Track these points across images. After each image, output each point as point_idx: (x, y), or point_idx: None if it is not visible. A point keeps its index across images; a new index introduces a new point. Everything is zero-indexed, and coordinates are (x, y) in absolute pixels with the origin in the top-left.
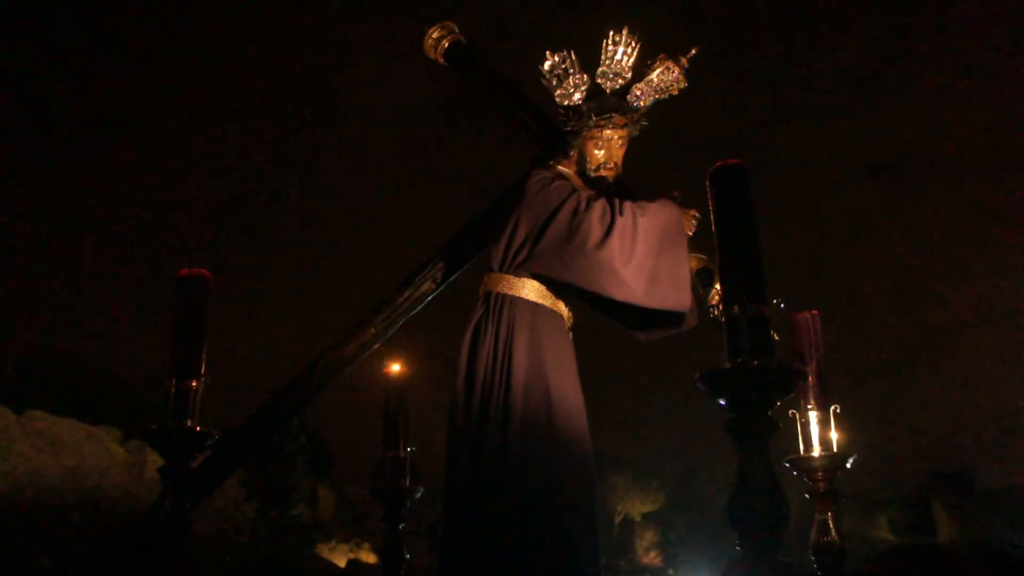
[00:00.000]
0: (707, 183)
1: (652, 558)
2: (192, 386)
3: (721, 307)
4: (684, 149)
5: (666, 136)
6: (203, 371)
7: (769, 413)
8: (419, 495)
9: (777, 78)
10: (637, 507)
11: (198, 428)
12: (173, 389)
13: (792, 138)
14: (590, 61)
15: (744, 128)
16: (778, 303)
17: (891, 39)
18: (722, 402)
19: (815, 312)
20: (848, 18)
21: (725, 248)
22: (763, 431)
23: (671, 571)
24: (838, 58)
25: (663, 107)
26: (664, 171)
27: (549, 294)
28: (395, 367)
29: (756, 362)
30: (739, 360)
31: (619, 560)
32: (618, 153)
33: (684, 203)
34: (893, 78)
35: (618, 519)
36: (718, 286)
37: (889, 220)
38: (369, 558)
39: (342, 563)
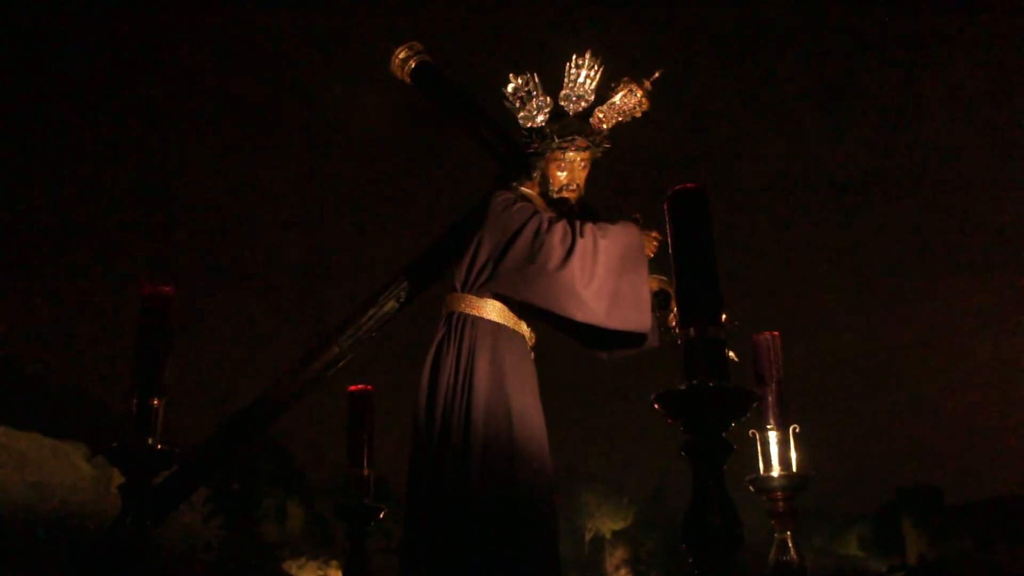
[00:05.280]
0: (665, 207)
1: None
2: (154, 404)
3: (678, 329)
4: (648, 171)
5: (630, 158)
6: (165, 389)
7: (724, 434)
8: (383, 514)
9: (744, 99)
10: (608, 524)
11: (159, 446)
12: (135, 407)
13: (757, 160)
14: (553, 84)
15: (710, 150)
16: (735, 324)
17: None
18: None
19: (775, 333)
20: (813, 40)
21: (681, 271)
22: (718, 452)
23: None
24: (803, 80)
25: (627, 129)
26: (627, 193)
27: (511, 314)
28: (359, 385)
29: (711, 383)
30: (694, 382)
31: None
32: (580, 175)
33: (646, 225)
34: (858, 98)
35: (588, 536)
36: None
37: (853, 241)
38: (338, 575)
39: None
